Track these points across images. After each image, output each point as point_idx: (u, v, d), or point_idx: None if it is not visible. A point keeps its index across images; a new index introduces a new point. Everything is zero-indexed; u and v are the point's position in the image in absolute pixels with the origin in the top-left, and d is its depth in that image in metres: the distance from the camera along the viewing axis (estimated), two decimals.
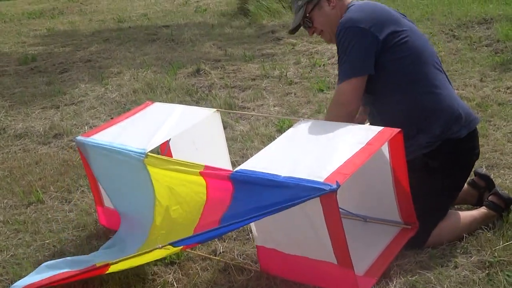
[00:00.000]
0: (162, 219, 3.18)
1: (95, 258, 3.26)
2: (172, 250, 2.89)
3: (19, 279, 3.14)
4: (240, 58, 7.63)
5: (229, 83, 6.60)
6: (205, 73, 7.02)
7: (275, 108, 5.70)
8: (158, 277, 3.15)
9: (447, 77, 3.36)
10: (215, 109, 3.72)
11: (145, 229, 3.22)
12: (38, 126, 5.66)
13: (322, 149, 2.93)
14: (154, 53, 8.33)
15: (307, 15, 3.43)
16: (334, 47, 7.70)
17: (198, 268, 3.18)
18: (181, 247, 2.93)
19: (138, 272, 3.16)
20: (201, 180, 2.98)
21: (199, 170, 2.96)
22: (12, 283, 3.13)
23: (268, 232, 3.03)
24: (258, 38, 8.82)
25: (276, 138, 4.76)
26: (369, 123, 3.40)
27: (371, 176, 3.22)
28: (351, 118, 3.24)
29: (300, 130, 3.19)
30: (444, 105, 3.18)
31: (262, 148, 4.53)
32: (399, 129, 2.93)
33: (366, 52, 3.16)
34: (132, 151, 3.21)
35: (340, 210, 3.20)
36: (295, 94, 6.05)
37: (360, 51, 3.16)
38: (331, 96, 5.77)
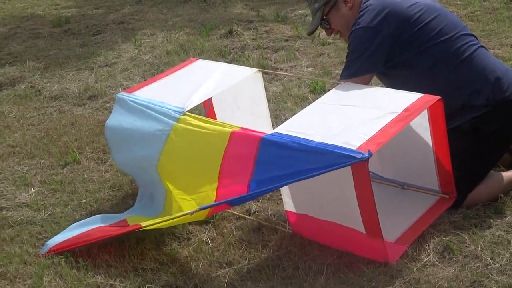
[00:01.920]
0: (169, 176, 3.20)
1: (126, 214, 3.32)
2: (199, 214, 2.93)
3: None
4: (272, 19, 7.57)
5: (261, 44, 6.57)
6: (237, 34, 6.98)
7: (308, 69, 5.67)
8: (193, 235, 3.20)
9: (476, 38, 3.33)
10: (257, 69, 3.74)
11: (159, 185, 3.25)
12: (73, 88, 5.70)
13: (359, 115, 2.91)
14: (186, 14, 8.30)
15: (324, 17, 3.47)
16: None
17: (233, 228, 3.22)
18: (208, 210, 2.96)
19: (173, 231, 3.21)
20: (225, 138, 2.98)
21: (231, 130, 2.97)
22: None
23: (297, 197, 3.05)
24: None
25: (309, 99, 4.81)
26: None
27: (411, 143, 3.20)
28: None
29: (339, 94, 3.18)
30: (480, 74, 3.18)
31: (295, 109, 4.58)
32: (439, 97, 2.90)
33: (373, 51, 3.21)
34: (170, 109, 3.24)
35: (378, 176, 3.22)
36: (328, 55, 6.00)
37: (367, 51, 3.22)
38: None
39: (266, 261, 2.94)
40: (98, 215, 3.37)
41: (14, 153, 4.45)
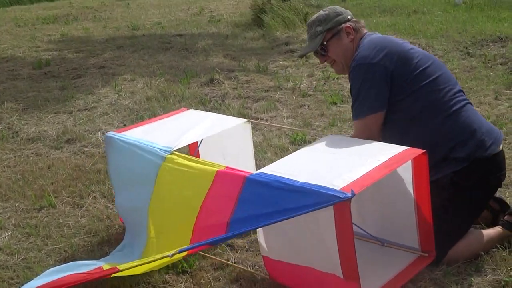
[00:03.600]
0: (156, 219, 3.19)
1: (102, 262, 3.26)
2: (177, 256, 2.88)
3: None
4: (253, 69, 7.62)
5: (242, 93, 6.59)
6: (218, 83, 7.01)
7: (289, 119, 5.69)
8: (169, 285, 3.13)
9: (464, 94, 3.35)
10: (246, 120, 3.78)
11: (144, 230, 3.23)
12: (51, 131, 5.66)
13: (343, 161, 2.92)
14: (167, 61, 8.34)
15: (325, 43, 3.44)
16: None
17: (210, 278, 3.15)
18: (186, 252, 2.92)
19: (149, 280, 3.14)
20: (210, 177, 2.98)
21: (217, 169, 2.97)
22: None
23: (274, 241, 3.01)
24: (271, 49, 8.82)
25: (289, 149, 4.81)
26: None
27: (393, 199, 3.19)
28: None
29: (325, 143, 3.20)
30: (466, 129, 3.18)
31: (275, 159, 4.55)
32: (423, 150, 2.90)
33: (379, 88, 3.19)
34: (158, 148, 3.26)
35: (360, 231, 3.18)
36: (308, 106, 6.04)
37: (372, 88, 3.19)
38: (345, 109, 5.76)
39: None
40: (73, 262, 3.28)
41: None
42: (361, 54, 3.27)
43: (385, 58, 3.20)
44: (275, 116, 5.83)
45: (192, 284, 3.13)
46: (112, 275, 2.96)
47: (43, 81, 7.65)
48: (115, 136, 3.52)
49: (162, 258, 2.87)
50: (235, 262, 3.29)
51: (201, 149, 3.90)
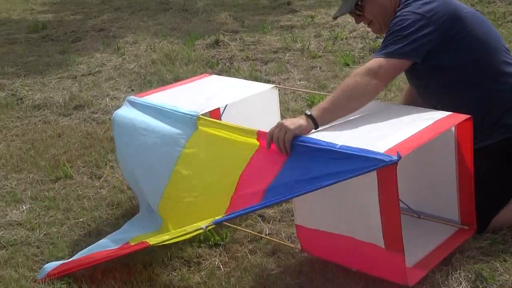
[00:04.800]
0: (180, 184, 3.05)
1: (126, 236, 3.12)
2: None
3: (56, 260, 3.01)
4: (258, 29, 7.42)
5: (250, 55, 6.41)
6: (224, 44, 6.81)
7: (302, 82, 5.52)
8: (203, 260, 2.99)
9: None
10: (273, 85, 3.61)
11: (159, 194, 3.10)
12: (57, 97, 5.47)
13: (385, 124, 2.75)
14: (168, 23, 8.11)
15: (359, 2, 3.20)
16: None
17: (246, 251, 3.01)
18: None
19: (182, 255, 3.01)
20: (254, 141, 2.85)
21: (256, 131, 2.85)
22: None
23: (310, 209, 2.85)
24: (273, 9, 8.61)
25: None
26: None
27: (433, 168, 3.01)
28: (373, 92, 2.91)
29: (363, 108, 2.97)
30: None
31: None
32: (468, 116, 2.73)
33: (418, 38, 2.91)
34: (184, 113, 3.12)
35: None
36: (320, 68, 5.87)
37: (410, 35, 2.91)
38: None
39: None
40: (96, 243, 3.12)
41: None
42: (410, 6, 3.02)
43: (434, 11, 2.95)
44: (287, 78, 5.66)
45: (227, 258, 2.99)
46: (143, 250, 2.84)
47: (42, 45, 7.44)
48: (137, 100, 3.38)
49: (196, 231, 2.73)
50: (269, 234, 3.16)
51: (224, 117, 3.73)
